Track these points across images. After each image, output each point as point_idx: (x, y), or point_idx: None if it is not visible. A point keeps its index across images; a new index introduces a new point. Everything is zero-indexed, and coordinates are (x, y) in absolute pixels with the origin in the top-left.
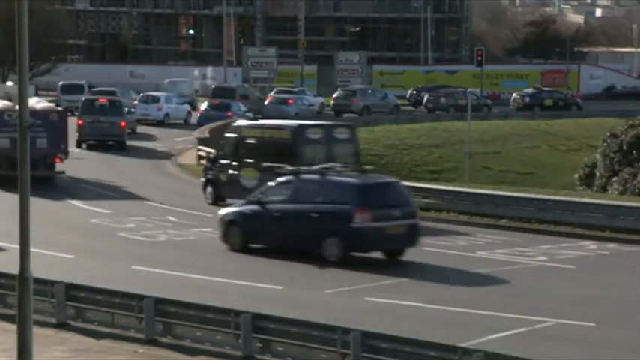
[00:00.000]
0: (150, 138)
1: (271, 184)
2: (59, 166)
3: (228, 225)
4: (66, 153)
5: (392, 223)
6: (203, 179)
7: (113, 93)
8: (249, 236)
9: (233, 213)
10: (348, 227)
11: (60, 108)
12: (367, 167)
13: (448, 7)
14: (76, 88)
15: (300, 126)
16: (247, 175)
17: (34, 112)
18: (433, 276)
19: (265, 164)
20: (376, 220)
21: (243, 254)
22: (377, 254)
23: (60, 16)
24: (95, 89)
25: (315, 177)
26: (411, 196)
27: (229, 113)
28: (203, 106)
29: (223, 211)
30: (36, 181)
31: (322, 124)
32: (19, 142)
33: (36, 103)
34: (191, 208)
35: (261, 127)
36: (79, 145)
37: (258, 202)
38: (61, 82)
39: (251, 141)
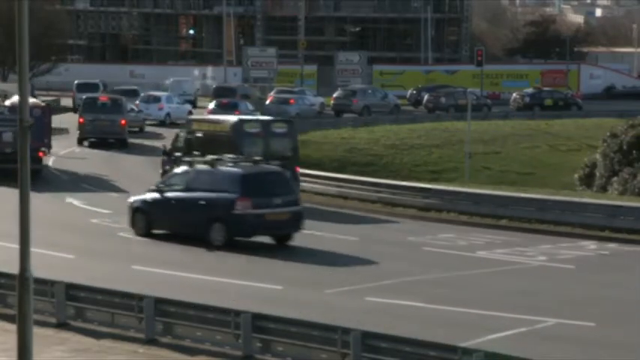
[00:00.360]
0: (157, 137)
1: (173, 173)
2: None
3: (134, 212)
4: (49, 147)
5: (273, 210)
6: (160, 170)
7: (135, 92)
8: (151, 222)
9: (139, 200)
10: (231, 214)
11: (43, 104)
12: (257, 158)
13: (448, 7)
14: (91, 87)
15: (240, 120)
16: None
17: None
18: (433, 276)
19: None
20: (257, 207)
21: (245, 254)
22: (265, 239)
23: (60, 16)
24: (118, 88)
25: (205, 167)
26: (296, 184)
27: (237, 112)
28: (211, 105)
29: (132, 199)
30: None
31: (261, 119)
32: (19, 142)
33: None
34: None
35: (207, 121)
36: (80, 143)
37: (159, 191)
38: (76, 81)
39: (199, 135)
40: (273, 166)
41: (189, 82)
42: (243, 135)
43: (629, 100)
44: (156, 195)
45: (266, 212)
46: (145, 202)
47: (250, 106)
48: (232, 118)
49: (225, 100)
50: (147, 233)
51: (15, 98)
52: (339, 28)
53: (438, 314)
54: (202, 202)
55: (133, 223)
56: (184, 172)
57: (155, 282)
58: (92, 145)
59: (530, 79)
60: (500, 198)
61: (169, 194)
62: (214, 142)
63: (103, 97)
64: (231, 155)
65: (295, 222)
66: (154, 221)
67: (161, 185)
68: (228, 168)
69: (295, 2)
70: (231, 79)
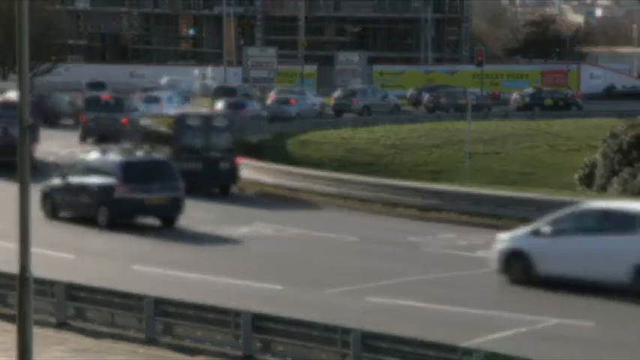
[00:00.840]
0: None
1: (77, 159)
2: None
3: (45, 197)
4: (37, 140)
5: (151, 195)
6: None
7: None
8: (56, 207)
9: (47, 185)
10: (112, 198)
11: (32, 99)
12: (146, 147)
13: (448, 7)
14: (100, 85)
15: (182, 115)
16: None
17: (10, 104)
18: (433, 276)
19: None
20: (135, 192)
21: (244, 254)
22: (152, 220)
23: (60, 16)
24: (147, 87)
25: (98, 155)
26: (177, 172)
27: (245, 111)
28: (219, 105)
29: (43, 184)
30: (13, 166)
31: (202, 114)
32: (19, 142)
33: (13, 95)
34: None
35: (160, 116)
36: (83, 140)
37: (63, 177)
38: (85, 81)
39: (153, 128)
40: (157, 155)
41: (185, 82)
42: (184, 129)
43: (629, 100)
44: (61, 181)
45: (144, 197)
46: (51, 187)
47: (258, 106)
48: (176, 113)
49: (231, 100)
50: (54, 216)
51: (7, 94)
52: (339, 28)
53: (438, 314)
54: (91, 187)
55: (43, 207)
56: (83, 159)
57: (155, 282)
58: (96, 144)
59: (530, 79)
60: (500, 198)
61: (70, 180)
62: (163, 135)
63: (105, 96)
64: (128, 144)
65: (174, 206)
66: (59, 205)
67: (65, 171)
68: (114, 155)
69: (295, 2)
70: (231, 79)
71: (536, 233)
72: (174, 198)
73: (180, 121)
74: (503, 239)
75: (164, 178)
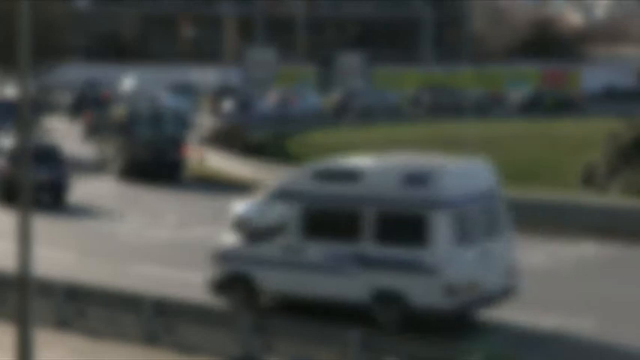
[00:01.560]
0: None
1: None
2: None
3: None
4: None
5: (37, 175)
6: None
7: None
8: None
9: None
10: (3, 179)
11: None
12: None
13: (448, 7)
14: (100, 84)
15: (134, 108)
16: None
17: (6, 102)
18: None
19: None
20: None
21: None
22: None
23: (60, 16)
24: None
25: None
26: (63, 156)
27: (252, 110)
28: (226, 105)
29: None
30: None
31: (153, 107)
32: (20, 141)
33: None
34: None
35: (121, 108)
36: (87, 137)
37: None
38: (87, 80)
39: (115, 118)
40: (47, 142)
41: (155, 83)
42: (135, 120)
43: (629, 100)
44: None
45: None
46: None
47: (263, 105)
48: (129, 106)
49: (238, 99)
50: None
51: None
52: (339, 28)
53: None
54: None
55: None
56: None
57: (155, 282)
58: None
59: (530, 79)
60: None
61: None
62: (120, 125)
63: (106, 94)
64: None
65: (59, 185)
66: None
67: None
68: (4, 140)
69: (295, 2)
70: (231, 79)
71: (254, 204)
72: (58, 178)
73: (131, 113)
74: (236, 208)
75: (50, 161)
